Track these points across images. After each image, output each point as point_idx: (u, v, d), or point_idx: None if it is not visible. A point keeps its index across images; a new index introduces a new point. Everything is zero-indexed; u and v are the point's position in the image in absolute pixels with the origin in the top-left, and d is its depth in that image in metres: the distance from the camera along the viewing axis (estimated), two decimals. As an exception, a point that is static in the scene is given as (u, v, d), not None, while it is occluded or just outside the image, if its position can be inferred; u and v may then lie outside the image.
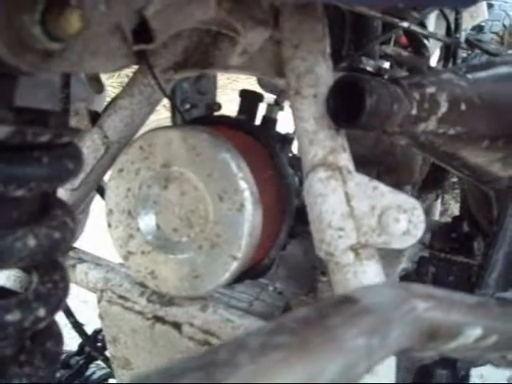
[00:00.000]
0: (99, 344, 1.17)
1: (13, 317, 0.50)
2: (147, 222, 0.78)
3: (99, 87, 0.84)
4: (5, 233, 0.48)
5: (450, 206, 1.56)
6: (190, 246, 0.75)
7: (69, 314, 0.98)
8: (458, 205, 1.46)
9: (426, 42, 1.26)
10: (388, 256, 0.98)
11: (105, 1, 0.53)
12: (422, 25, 1.27)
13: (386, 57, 1.11)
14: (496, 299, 0.79)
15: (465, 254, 1.07)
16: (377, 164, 1.17)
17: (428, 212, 1.38)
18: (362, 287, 0.66)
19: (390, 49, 1.08)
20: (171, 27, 0.63)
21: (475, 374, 1.02)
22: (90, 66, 0.55)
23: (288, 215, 0.82)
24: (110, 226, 0.80)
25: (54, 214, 0.54)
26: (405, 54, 1.10)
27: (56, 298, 0.54)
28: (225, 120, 0.86)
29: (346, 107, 0.70)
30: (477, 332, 0.48)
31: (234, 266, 0.73)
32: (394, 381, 0.67)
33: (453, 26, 1.18)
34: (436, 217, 1.45)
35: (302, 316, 0.36)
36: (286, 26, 0.75)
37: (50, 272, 0.55)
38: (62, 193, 0.89)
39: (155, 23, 0.60)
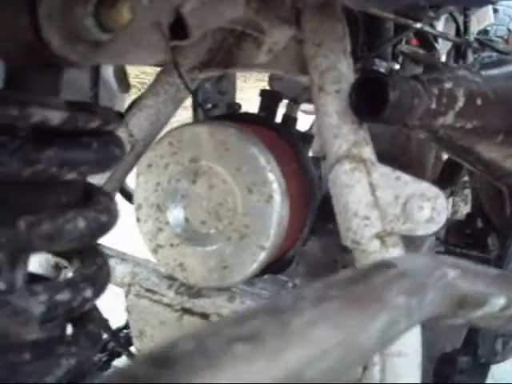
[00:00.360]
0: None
1: (63, 296, 0.52)
2: (176, 215, 0.80)
3: (126, 87, 0.86)
4: (56, 214, 0.51)
5: (459, 208, 1.58)
6: (219, 237, 0.78)
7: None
8: (467, 206, 1.48)
9: (435, 44, 1.29)
10: (408, 248, 1.01)
11: (146, -4, 0.56)
12: (432, 27, 1.30)
13: (401, 55, 1.14)
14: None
15: (479, 249, 1.09)
16: (392, 161, 1.19)
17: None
18: (398, 255, 0.68)
19: (405, 47, 1.11)
20: (205, 24, 0.66)
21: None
22: (134, 58, 0.58)
23: (312, 209, 0.84)
24: (138, 220, 0.83)
25: (98, 199, 0.57)
26: (421, 52, 1.13)
27: (101, 280, 0.56)
28: (249, 117, 0.89)
29: (367, 102, 0.73)
30: (501, 301, 0.50)
31: (263, 255, 0.76)
32: (420, 361, 0.69)
33: (462, 27, 1.21)
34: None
35: (347, 276, 0.39)
36: (307, 25, 0.78)
37: (93, 256, 0.58)
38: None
39: (191, 20, 0.63)
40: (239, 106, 1.01)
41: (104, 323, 1.02)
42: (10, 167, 0.49)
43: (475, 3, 0.84)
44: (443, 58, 1.45)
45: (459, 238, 1.12)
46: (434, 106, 0.77)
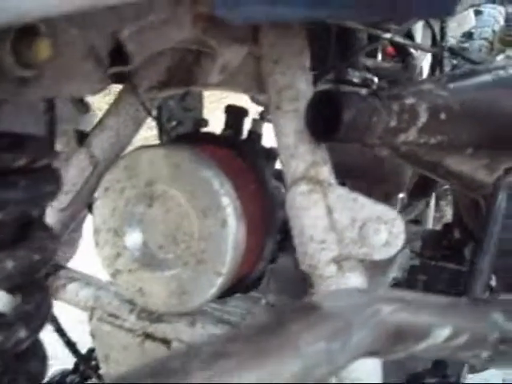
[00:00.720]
0: (94, 362, 1.17)
1: (-6, 339, 0.50)
2: (133, 240, 0.79)
3: (84, 108, 0.85)
4: (-18, 256, 0.49)
5: (445, 213, 1.56)
6: (176, 262, 0.76)
7: (61, 333, 0.99)
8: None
9: (413, 51, 1.27)
10: (378, 265, 0.99)
11: (77, 25, 0.54)
12: (409, 35, 1.28)
13: (365, 70, 1.12)
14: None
15: (456, 261, 1.07)
16: (365, 174, 1.17)
17: (419, 220, 1.38)
18: (325, 293, 0.67)
19: (369, 61, 1.09)
20: (147, 49, 0.64)
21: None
22: (66, 91, 0.56)
23: (272, 228, 0.83)
24: (97, 244, 0.81)
25: (34, 236, 0.55)
26: (385, 65, 1.11)
27: (38, 319, 0.55)
28: (208, 137, 0.87)
29: (325, 121, 0.71)
30: (446, 332, 0.48)
31: (220, 281, 0.74)
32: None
33: (438, 35, 1.19)
34: (430, 224, 1.46)
35: (259, 323, 0.37)
36: (265, 41, 0.77)
37: (32, 293, 0.56)
38: (51, 213, 0.90)
39: (131, 46, 0.61)
40: (206, 123, 0.99)
41: (72, 346, 1.01)
42: None
43: (439, 14, 0.82)
44: (425, 65, 1.43)
45: (435, 251, 1.10)
46: (394, 123, 0.75)
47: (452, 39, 1.46)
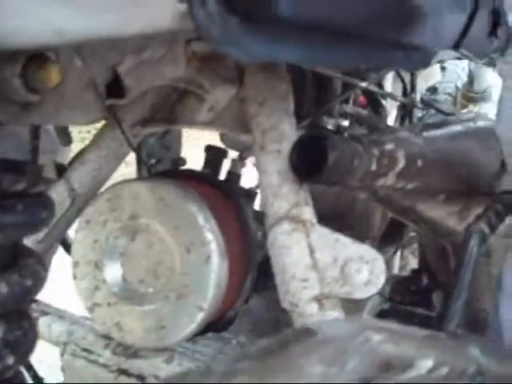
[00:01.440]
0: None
1: (-20, 365, 0.49)
2: (113, 273, 0.78)
3: (67, 140, 0.85)
4: (-23, 280, 0.49)
5: (408, 261, 1.59)
6: (157, 297, 0.76)
7: (29, 368, 0.96)
8: (416, 259, 1.50)
9: (383, 101, 1.32)
10: (349, 309, 1.00)
11: (81, 56, 0.56)
12: (380, 86, 1.34)
13: (345, 115, 1.16)
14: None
15: (424, 307, 1.10)
16: (337, 219, 1.20)
17: (387, 266, 1.41)
18: (320, 321, 0.68)
19: (349, 107, 1.13)
20: (143, 84, 0.66)
21: None
22: (66, 119, 0.57)
23: (252, 267, 0.83)
24: (75, 277, 0.81)
25: (25, 262, 0.55)
26: (363, 112, 1.15)
27: (25, 346, 0.54)
28: (191, 173, 0.88)
29: (308, 162, 0.73)
30: (428, 363, 0.50)
31: (201, 316, 0.74)
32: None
33: (408, 87, 1.24)
34: (395, 271, 1.48)
35: (263, 345, 0.38)
36: (250, 84, 0.79)
37: (19, 320, 0.55)
38: (28, 244, 0.89)
39: (128, 79, 0.63)
40: (184, 162, 1.00)
41: (38, 382, 0.98)
42: None
43: (412, 66, 0.86)
44: (392, 116, 1.49)
45: (404, 295, 1.13)
46: (374, 167, 0.78)
47: (418, 93, 1.52)
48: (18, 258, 0.55)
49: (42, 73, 0.49)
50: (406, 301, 1.12)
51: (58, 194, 0.90)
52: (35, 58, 0.49)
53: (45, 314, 0.89)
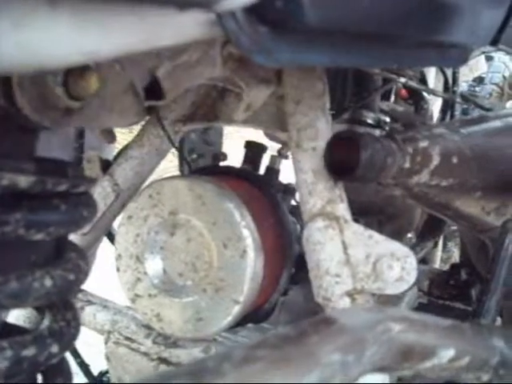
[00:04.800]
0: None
1: (28, 352, 0.53)
2: (154, 266, 0.82)
3: (111, 137, 0.89)
4: (23, 274, 0.52)
5: (453, 254, 1.59)
6: (195, 289, 0.79)
7: (76, 354, 1.01)
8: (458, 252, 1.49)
9: (425, 95, 1.31)
10: (387, 302, 1.01)
11: (120, 62, 0.59)
12: (422, 79, 1.33)
13: (382, 112, 1.16)
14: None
15: (463, 301, 1.10)
16: (377, 213, 1.21)
17: (427, 259, 1.41)
18: (340, 309, 0.70)
19: (385, 104, 1.14)
20: (180, 85, 0.68)
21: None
22: (106, 122, 0.60)
23: (288, 261, 0.86)
24: (118, 270, 0.84)
25: (68, 256, 0.59)
26: (400, 109, 1.15)
27: (68, 336, 0.58)
28: (229, 170, 0.91)
29: (342, 160, 0.75)
30: (450, 353, 0.51)
31: (236, 309, 0.77)
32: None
33: (451, 80, 1.24)
34: (437, 264, 1.48)
35: (282, 333, 0.40)
36: (288, 82, 0.81)
37: (63, 311, 0.59)
38: (73, 237, 0.93)
39: (166, 82, 0.65)
40: (225, 157, 1.03)
41: (85, 368, 1.03)
42: (-21, 228, 0.51)
43: (447, 64, 0.86)
44: (437, 109, 1.48)
45: (443, 290, 1.13)
46: (407, 164, 0.78)
47: (464, 84, 1.51)
48: (62, 253, 0.59)
49: (82, 81, 0.51)
50: (444, 295, 1.12)
51: (103, 188, 0.94)
52: (76, 68, 0.52)
53: (90, 303, 0.93)
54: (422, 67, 1.03)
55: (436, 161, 0.81)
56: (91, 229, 0.94)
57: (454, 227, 1.45)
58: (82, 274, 0.58)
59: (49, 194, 0.54)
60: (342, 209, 0.76)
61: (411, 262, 0.71)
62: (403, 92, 1.31)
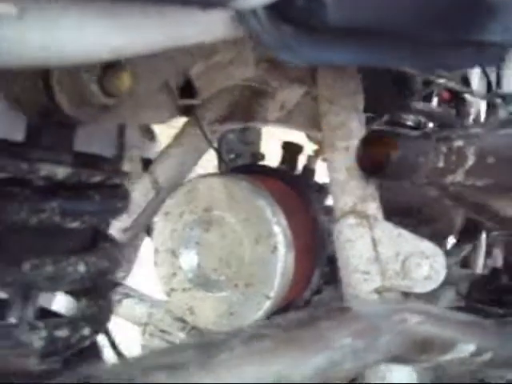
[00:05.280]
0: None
1: (61, 333, 0.56)
2: (189, 261, 0.84)
3: (151, 136, 0.92)
4: (59, 258, 0.56)
5: (496, 260, 1.55)
6: (227, 284, 0.81)
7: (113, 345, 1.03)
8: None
9: (468, 97, 1.30)
10: (423, 302, 1.01)
11: (154, 61, 0.61)
12: (465, 80, 1.32)
13: (417, 112, 1.16)
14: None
15: (502, 306, 1.08)
16: (415, 215, 1.20)
17: (469, 264, 1.39)
18: (356, 301, 0.70)
19: (420, 105, 1.13)
20: (214, 85, 0.70)
21: None
22: (141, 119, 0.63)
23: (320, 260, 0.87)
24: (155, 264, 0.87)
25: (103, 246, 0.62)
26: (436, 110, 1.15)
27: (100, 321, 0.61)
28: (264, 169, 0.93)
29: (374, 159, 0.76)
30: (470, 347, 0.51)
31: (267, 304, 0.78)
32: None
33: (493, 82, 1.22)
34: (479, 269, 1.45)
35: (294, 317, 0.41)
36: (322, 82, 0.82)
37: (96, 298, 0.62)
38: (114, 232, 0.97)
39: (199, 82, 0.68)
40: (263, 156, 1.05)
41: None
42: (19, 215, 0.54)
43: (484, 64, 0.86)
44: (481, 112, 1.46)
45: (482, 294, 1.11)
46: (441, 164, 0.78)
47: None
48: (97, 243, 0.62)
49: (116, 79, 0.54)
50: (483, 299, 1.10)
51: (143, 186, 0.97)
52: (111, 66, 0.55)
53: (128, 296, 0.96)
54: (457, 68, 1.03)
55: (471, 160, 0.81)
56: (132, 224, 0.98)
57: (498, 232, 1.42)
58: (115, 262, 0.61)
59: (84, 186, 0.57)
60: (374, 207, 0.76)
61: (440, 260, 0.71)
62: (445, 95, 1.30)
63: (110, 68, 0.54)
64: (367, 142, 0.77)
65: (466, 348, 0.52)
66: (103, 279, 0.60)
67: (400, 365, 0.68)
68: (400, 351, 0.47)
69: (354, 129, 0.79)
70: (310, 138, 1.29)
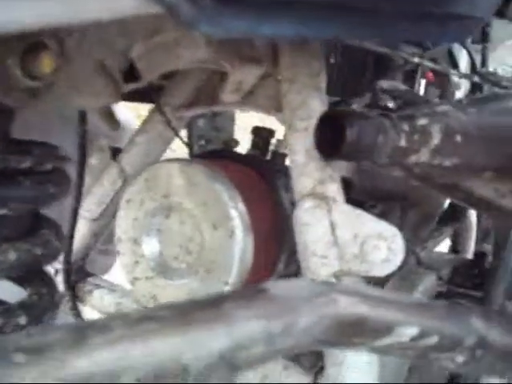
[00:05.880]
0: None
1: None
2: (151, 249, 0.83)
3: (113, 124, 0.91)
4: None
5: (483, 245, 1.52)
6: (188, 271, 0.79)
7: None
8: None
9: (453, 78, 1.27)
10: (401, 288, 0.98)
11: (88, 42, 0.60)
12: (453, 62, 1.29)
13: (383, 91, 1.13)
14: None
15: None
16: (401, 199, 1.17)
17: (458, 249, 1.36)
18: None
19: (386, 83, 1.10)
20: (158, 67, 0.69)
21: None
22: (75, 103, 0.61)
23: (285, 246, 0.84)
24: (118, 253, 0.86)
25: (40, 232, 0.60)
26: (401, 88, 1.11)
27: (39, 309, 0.59)
28: (227, 155, 0.91)
29: (330, 139, 0.73)
30: (412, 330, 0.49)
31: (226, 291, 0.76)
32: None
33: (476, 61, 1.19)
34: (469, 252, 1.42)
35: (197, 299, 0.39)
36: (283, 62, 0.80)
37: (37, 286, 0.61)
38: (83, 223, 0.96)
39: (141, 64, 0.66)
40: (236, 143, 1.03)
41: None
42: None
43: (450, 39, 0.83)
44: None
45: (466, 278, 1.08)
46: (403, 143, 0.76)
47: (507, 67, 1.44)
48: (35, 229, 0.61)
49: (36, 61, 0.53)
50: (467, 284, 1.07)
51: (111, 175, 0.96)
52: (32, 47, 0.53)
53: (98, 287, 0.95)
54: (418, 41, 1.00)
55: (437, 139, 0.78)
56: (100, 214, 0.97)
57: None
58: (52, 249, 0.60)
59: (13, 172, 0.56)
60: (333, 189, 0.74)
61: (399, 242, 0.69)
62: (430, 76, 1.27)
63: (30, 50, 0.53)
64: (323, 122, 0.74)
65: (407, 331, 0.49)
66: (40, 265, 0.59)
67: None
68: (326, 335, 0.44)
69: (315, 109, 0.77)
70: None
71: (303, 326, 0.43)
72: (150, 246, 0.83)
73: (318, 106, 0.78)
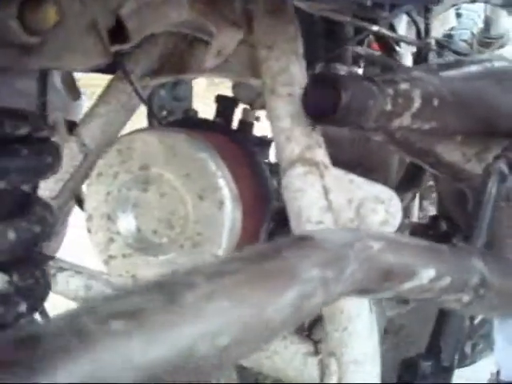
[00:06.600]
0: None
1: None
2: (127, 225, 0.78)
3: (75, 94, 0.84)
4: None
5: (428, 212, 1.57)
6: (171, 246, 0.76)
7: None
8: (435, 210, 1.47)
9: (397, 47, 1.28)
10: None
11: (80, -2, 0.54)
12: (393, 30, 1.30)
13: (358, 58, 1.13)
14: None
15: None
16: (355, 166, 1.18)
17: (405, 213, 1.39)
18: (314, 229, 0.67)
19: (362, 49, 1.11)
20: (146, 27, 0.64)
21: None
22: (67, 63, 0.56)
23: (267, 215, 0.83)
24: (89, 231, 0.80)
25: (33, 210, 0.55)
26: (377, 53, 1.12)
27: (37, 294, 0.54)
28: (201, 122, 0.87)
29: (321, 104, 0.72)
30: (430, 273, 0.49)
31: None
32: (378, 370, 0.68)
33: (422, 30, 1.21)
34: (415, 219, 1.47)
35: (257, 249, 0.37)
36: (259, 28, 0.77)
37: (31, 269, 0.55)
38: (41, 201, 0.89)
39: (130, 23, 0.61)
40: (195, 113, 0.99)
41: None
42: None
43: (423, 2, 0.84)
44: (407, 62, 1.45)
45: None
46: (389, 107, 0.75)
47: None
48: (27, 206, 0.55)
49: (39, 13, 0.47)
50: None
51: (70, 150, 0.89)
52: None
53: (62, 270, 0.89)
54: (399, 8, 1.00)
55: (417, 103, 0.78)
56: (59, 192, 0.90)
57: (430, 183, 1.43)
58: (48, 226, 0.55)
59: (9, 139, 0.50)
60: (322, 154, 0.73)
61: (396, 204, 0.69)
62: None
63: (30, 1, 0.47)
64: (313, 86, 0.73)
65: (427, 274, 0.49)
66: (38, 244, 0.53)
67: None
68: (367, 281, 0.43)
69: (296, 74, 0.75)
70: (236, 93, 1.24)
71: (350, 272, 0.42)
72: (126, 222, 0.78)
73: (298, 71, 0.76)
